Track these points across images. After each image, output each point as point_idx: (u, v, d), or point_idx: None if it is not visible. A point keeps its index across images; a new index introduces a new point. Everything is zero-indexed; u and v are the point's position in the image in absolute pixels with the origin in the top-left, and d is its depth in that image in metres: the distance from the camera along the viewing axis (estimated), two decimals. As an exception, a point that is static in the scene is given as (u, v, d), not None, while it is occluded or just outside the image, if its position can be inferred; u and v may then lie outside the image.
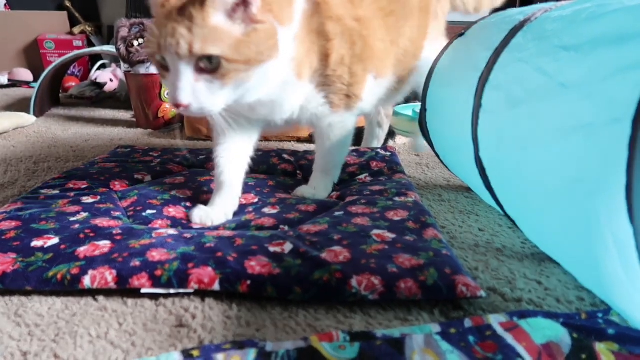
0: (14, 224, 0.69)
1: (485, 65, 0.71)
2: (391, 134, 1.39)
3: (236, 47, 0.62)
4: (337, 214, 0.75)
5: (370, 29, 0.83)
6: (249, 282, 0.56)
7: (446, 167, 1.01)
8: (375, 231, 0.67)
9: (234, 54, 0.62)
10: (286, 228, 0.72)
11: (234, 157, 0.82)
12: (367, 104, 0.89)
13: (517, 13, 0.78)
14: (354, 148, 1.22)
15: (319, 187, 0.89)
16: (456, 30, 2.97)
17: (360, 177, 0.99)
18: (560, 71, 0.53)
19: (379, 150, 1.15)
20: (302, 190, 0.88)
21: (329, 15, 0.76)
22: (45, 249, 0.62)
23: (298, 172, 1.05)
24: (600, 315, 0.51)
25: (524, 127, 0.58)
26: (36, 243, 0.63)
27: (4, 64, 2.75)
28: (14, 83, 2.64)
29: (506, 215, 0.74)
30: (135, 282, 0.56)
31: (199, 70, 0.62)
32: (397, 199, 0.81)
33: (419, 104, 1.85)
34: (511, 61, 0.65)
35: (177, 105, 0.63)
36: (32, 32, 2.76)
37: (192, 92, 0.62)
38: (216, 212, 0.76)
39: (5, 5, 2.75)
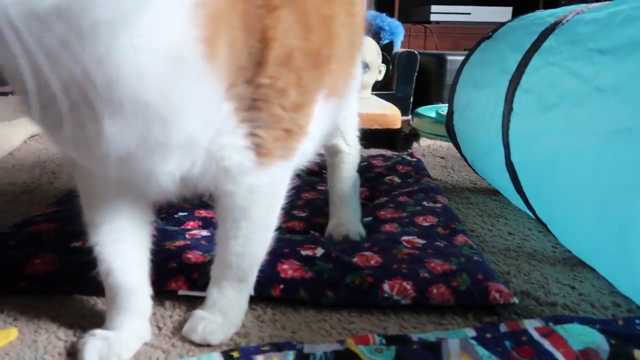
0: (52, 225, 0.71)
1: (516, 68, 0.71)
2: (415, 137, 1.39)
3: None
4: (366, 220, 0.76)
5: (333, 3, 0.51)
6: (281, 286, 0.56)
7: (473, 169, 1.00)
8: (405, 237, 0.68)
9: None
10: (316, 234, 0.73)
11: (126, 241, 0.50)
12: (311, 144, 0.53)
13: (547, 15, 0.78)
14: (376, 152, 1.23)
15: (229, 311, 0.52)
16: (474, 31, 2.93)
17: (389, 177, 0.99)
18: (596, 75, 0.53)
19: (404, 155, 1.15)
20: (202, 325, 0.50)
21: None
22: (84, 249, 0.64)
23: (324, 171, 1.06)
24: (638, 321, 0.50)
25: (558, 131, 0.57)
26: (75, 244, 0.65)
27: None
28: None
29: (537, 219, 0.73)
30: (172, 284, 0.57)
31: None
32: (425, 203, 0.81)
33: (441, 105, 1.85)
34: (543, 64, 0.65)
35: None
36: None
37: None
38: (123, 342, 0.48)
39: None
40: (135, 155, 0.38)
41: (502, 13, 2.57)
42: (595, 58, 0.54)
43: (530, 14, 0.87)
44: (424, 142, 1.49)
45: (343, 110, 0.69)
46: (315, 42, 0.46)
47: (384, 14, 2.05)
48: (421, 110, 1.78)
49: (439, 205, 0.81)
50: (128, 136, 0.36)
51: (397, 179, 0.98)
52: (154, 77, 0.34)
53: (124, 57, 0.32)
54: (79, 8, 0.29)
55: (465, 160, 0.99)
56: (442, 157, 1.31)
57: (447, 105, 1.83)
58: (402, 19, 2.54)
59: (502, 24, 0.92)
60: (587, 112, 0.53)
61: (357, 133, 0.76)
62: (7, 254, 0.62)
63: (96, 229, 0.48)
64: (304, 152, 0.51)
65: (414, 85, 1.88)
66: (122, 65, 0.33)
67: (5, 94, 2.11)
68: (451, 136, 0.98)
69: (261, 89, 0.42)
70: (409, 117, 1.82)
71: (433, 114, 1.74)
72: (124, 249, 0.49)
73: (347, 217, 0.72)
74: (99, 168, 0.43)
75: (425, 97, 1.92)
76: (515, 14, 2.61)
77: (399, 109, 1.64)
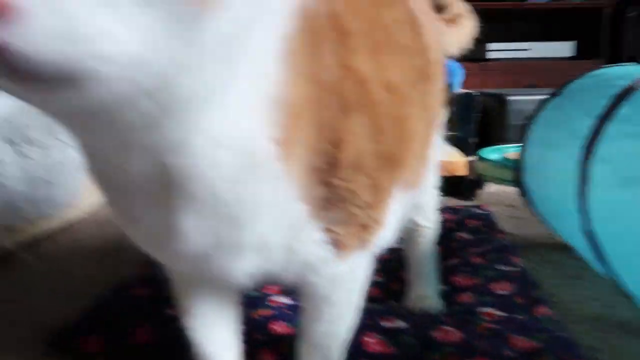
0: (148, 290, 0.77)
1: (589, 135, 0.70)
2: (478, 183, 1.38)
3: None
4: (441, 288, 0.77)
5: (408, 104, 0.49)
6: (367, 360, 0.59)
7: (548, 226, 0.99)
8: (483, 308, 0.68)
9: None
10: (393, 302, 0.75)
11: (216, 324, 0.53)
12: (389, 232, 0.52)
13: (617, 77, 0.77)
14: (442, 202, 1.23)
15: None
16: (535, 67, 2.86)
17: (459, 233, 0.99)
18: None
19: (472, 207, 1.15)
20: None
21: (347, 65, 0.41)
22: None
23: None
24: None
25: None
26: (170, 312, 0.70)
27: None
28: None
29: (626, 290, 0.71)
30: (262, 358, 0.61)
31: None
32: (500, 266, 0.81)
33: (505, 145, 1.83)
34: (619, 135, 0.65)
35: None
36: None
37: None
38: None
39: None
40: (208, 253, 0.39)
41: (563, 48, 2.51)
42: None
43: (597, 72, 0.86)
44: (490, 187, 1.47)
45: (422, 190, 0.69)
46: (388, 144, 0.45)
47: (442, 57, 2.07)
48: (485, 153, 1.76)
49: (515, 268, 0.81)
50: (201, 234, 0.37)
51: (467, 235, 0.98)
52: (227, 174, 0.34)
53: (201, 147, 0.32)
54: (174, 83, 0.27)
55: (540, 216, 0.98)
56: (511, 206, 1.29)
57: (511, 146, 1.83)
58: (458, 59, 2.55)
59: (569, 81, 0.91)
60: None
61: (437, 207, 0.76)
62: (112, 323, 0.68)
63: (186, 313, 0.51)
64: (384, 240, 0.52)
65: (473, 126, 1.87)
66: (198, 156, 0.33)
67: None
68: (522, 191, 0.98)
69: (335, 190, 0.41)
70: (471, 158, 1.81)
71: (497, 157, 1.72)
72: (214, 331, 0.52)
73: (425, 290, 0.74)
74: (172, 264, 0.45)
75: (487, 137, 1.90)
76: (578, 49, 2.55)
77: (460, 150, 1.64)
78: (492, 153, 1.79)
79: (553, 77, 2.48)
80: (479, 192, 1.37)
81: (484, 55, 2.52)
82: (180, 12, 0.25)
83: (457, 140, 1.87)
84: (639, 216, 0.58)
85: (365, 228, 0.46)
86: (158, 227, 0.37)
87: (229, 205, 0.36)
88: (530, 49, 2.50)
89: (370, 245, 0.48)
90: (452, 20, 0.84)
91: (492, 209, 1.25)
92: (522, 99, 1.87)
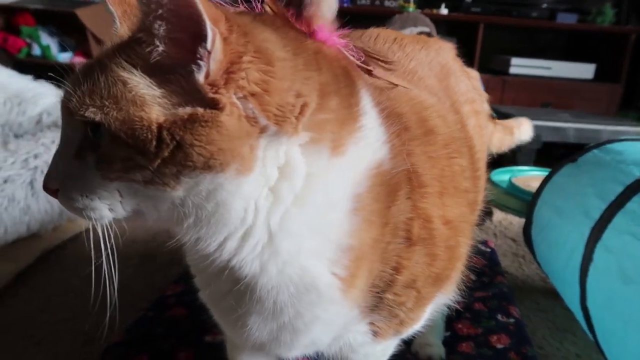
0: (185, 312, 0.86)
1: (598, 220, 0.78)
2: (489, 214, 1.45)
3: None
4: (445, 335, 0.86)
5: (460, 233, 0.55)
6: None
7: (547, 277, 1.07)
8: (482, 364, 0.77)
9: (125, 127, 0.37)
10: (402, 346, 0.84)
11: None
12: (421, 325, 0.61)
13: (634, 162, 0.83)
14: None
15: None
16: (553, 87, 2.87)
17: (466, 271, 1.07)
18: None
19: (479, 244, 1.23)
20: None
21: (418, 209, 0.49)
22: (216, 344, 0.78)
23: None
24: None
25: (637, 306, 0.65)
26: (208, 338, 0.79)
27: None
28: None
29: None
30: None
31: (88, 143, 0.39)
32: (499, 316, 0.90)
33: (514, 167, 1.89)
34: (624, 230, 0.72)
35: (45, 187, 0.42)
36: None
37: (63, 172, 0.41)
38: None
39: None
40: (266, 343, 0.48)
41: (583, 70, 2.54)
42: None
43: (615, 148, 0.91)
44: (496, 214, 1.54)
45: None
46: (440, 268, 0.53)
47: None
48: (494, 175, 1.82)
49: (512, 320, 0.89)
50: (262, 331, 0.47)
51: (471, 275, 1.06)
52: (292, 295, 0.43)
53: (274, 275, 0.42)
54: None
55: (540, 266, 1.06)
56: (514, 240, 1.37)
57: (521, 168, 1.89)
58: (482, 69, 2.57)
59: (587, 149, 0.97)
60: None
61: None
62: (157, 345, 0.77)
63: None
64: (415, 330, 0.60)
65: (486, 145, 1.93)
66: (270, 280, 0.43)
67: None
68: (528, 243, 1.06)
69: (385, 300, 0.50)
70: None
71: (506, 179, 1.78)
72: None
73: (432, 339, 0.83)
74: (238, 339, 0.53)
75: (499, 159, 1.96)
76: (598, 72, 2.57)
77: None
78: (503, 174, 1.86)
79: (569, 99, 2.53)
80: (487, 223, 1.44)
81: (507, 69, 2.54)
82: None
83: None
84: (630, 312, 0.66)
85: (403, 324, 0.55)
86: (231, 314, 0.47)
87: (289, 317, 0.45)
88: (551, 68, 2.53)
89: (401, 334, 0.58)
90: (506, 127, 0.93)
91: (497, 241, 1.33)
92: (537, 125, 1.92)
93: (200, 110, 0.36)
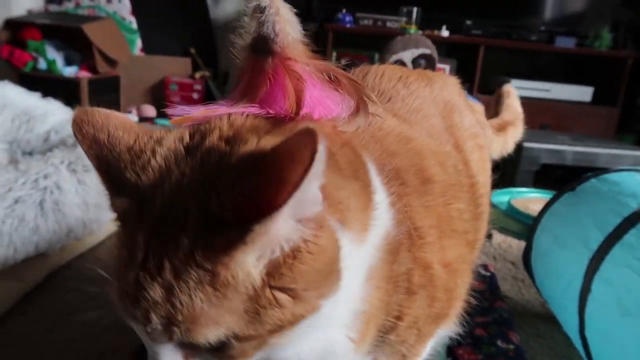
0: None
1: (597, 251, 0.80)
2: (488, 236, 1.47)
3: (255, 312, 0.37)
4: (447, 361, 0.88)
5: (459, 276, 0.58)
6: None
7: (545, 302, 1.09)
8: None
9: (251, 328, 0.38)
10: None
11: None
12: (423, 358, 0.64)
13: (631, 194, 0.85)
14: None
15: None
16: (552, 108, 2.90)
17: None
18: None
19: (479, 268, 1.25)
20: None
21: (418, 258, 0.52)
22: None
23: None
24: None
25: (635, 339, 0.66)
26: None
27: (135, 100, 3.14)
28: (141, 119, 3.02)
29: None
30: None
31: (189, 348, 0.39)
32: (499, 342, 0.92)
33: (514, 189, 1.91)
34: (622, 263, 0.74)
35: None
36: (160, 73, 3.14)
37: None
38: None
39: (140, 49, 3.15)
40: None
41: (582, 92, 2.58)
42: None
43: (612, 178, 0.93)
44: (496, 238, 1.56)
45: None
46: (439, 309, 0.55)
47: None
48: (494, 197, 1.84)
49: (512, 347, 0.91)
50: None
51: (471, 299, 1.08)
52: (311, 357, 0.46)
53: (292, 345, 0.43)
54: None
55: (539, 291, 1.08)
56: (513, 263, 1.39)
57: (521, 190, 1.92)
58: (481, 90, 2.61)
59: (585, 178, 0.99)
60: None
61: None
62: None
63: None
64: None
65: (487, 165, 1.96)
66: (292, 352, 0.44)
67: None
68: (527, 269, 1.08)
69: (387, 341, 0.53)
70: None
71: (505, 201, 1.81)
72: None
73: None
74: None
75: (499, 179, 1.99)
76: (595, 95, 2.61)
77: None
78: (502, 196, 1.89)
79: (567, 121, 2.57)
80: (486, 244, 1.46)
81: (505, 90, 2.58)
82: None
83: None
84: (631, 345, 0.68)
85: (406, 358, 0.57)
86: None
87: None
88: (550, 90, 2.57)
89: None
90: (502, 128, 0.95)
91: (496, 264, 1.35)
92: (536, 147, 1.96)
93: None
